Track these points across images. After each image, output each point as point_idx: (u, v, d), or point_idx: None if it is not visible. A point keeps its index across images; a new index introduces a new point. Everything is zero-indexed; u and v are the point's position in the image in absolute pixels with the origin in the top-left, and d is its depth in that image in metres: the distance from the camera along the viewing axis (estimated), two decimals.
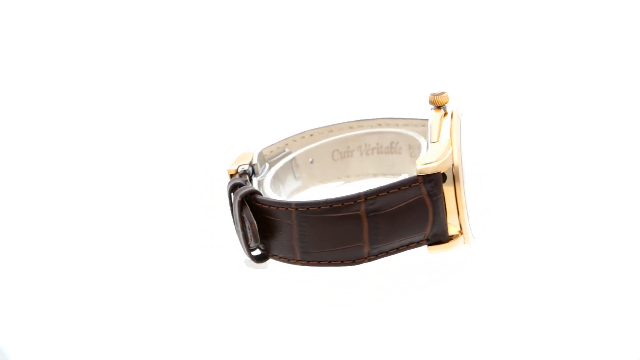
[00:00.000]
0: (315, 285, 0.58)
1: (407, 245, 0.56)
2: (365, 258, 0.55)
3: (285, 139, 0.66)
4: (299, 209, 0.55)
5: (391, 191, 0.54)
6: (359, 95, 0.83)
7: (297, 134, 0.67)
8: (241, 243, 0.58)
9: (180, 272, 0.62)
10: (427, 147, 0.57)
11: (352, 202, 0.54)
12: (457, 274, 0.58)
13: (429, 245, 0.56)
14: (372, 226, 0.54)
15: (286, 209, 0.55)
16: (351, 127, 0.67)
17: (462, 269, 0.59)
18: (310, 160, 0.66)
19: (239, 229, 0.58)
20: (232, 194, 0.58)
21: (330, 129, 0.67)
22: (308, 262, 0.56)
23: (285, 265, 0.58)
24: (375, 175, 0.67)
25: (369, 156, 0.67)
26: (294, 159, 0.65)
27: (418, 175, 0.54)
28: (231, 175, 0.61)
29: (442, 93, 0.58)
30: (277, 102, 0.85)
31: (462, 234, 0.56)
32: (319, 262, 0.56)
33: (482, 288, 0.57)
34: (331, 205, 0.54)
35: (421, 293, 0.58)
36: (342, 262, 0.56)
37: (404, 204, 0.54)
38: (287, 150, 0.66)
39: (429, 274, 0.58)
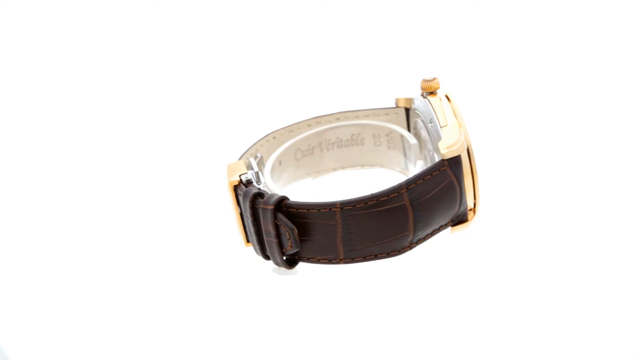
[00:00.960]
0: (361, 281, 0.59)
1: (438, 228, 0.58)
2: (408, 247, 0.57)
3: (254, 144, 0.65)
4: (345, 208, 0.55)
5: (425, 178, 0.56)
6: (317, 91, 0.82)
7: (262, 138, 0.66)
8: (272, 251, 0.57)
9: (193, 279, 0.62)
10: (432, 132, 0.60)
11: (396, 194, 0.55)
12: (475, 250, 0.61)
13: (452, 226, 0.59)
14: (417, 214, 0.56)
15: (330, 209, 0.55)
16: (309, 125, 0.67)
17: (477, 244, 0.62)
18: (279, 162, 0.66)
19: (272, 237, 0.56)
20: (252, 203, 0.57)
21: (290, 129, 0.67)
22: (353, 259, 0.57)
23: (321, 267, 0.57)
24: (334, 169, 0.68)
25: (329, 151, 0.68)
26: (271, 163, 0.65)
27: (443, 160, 0.57)
28: (235, 187, 0.59)
29: (434, 79, 0.61)
30: (232, 101, 0.84)
31: (474, 212, 0.59)
32: (365, 258, 0.57)
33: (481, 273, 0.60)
34: (378, 200, 0.55)
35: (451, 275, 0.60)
36: (388, 253, 0.57)
37: (438, 188, 0.56)
38: (259, 155, 0.65)
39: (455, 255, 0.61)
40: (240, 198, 0.58)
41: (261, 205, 0.56)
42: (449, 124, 0.58)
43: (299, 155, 0.67)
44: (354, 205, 0.55)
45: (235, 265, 0.62)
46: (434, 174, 0.56)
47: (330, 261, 0.56)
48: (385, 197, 0.55)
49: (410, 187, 0.55)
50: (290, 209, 0.56)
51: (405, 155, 0.67)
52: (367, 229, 0.55)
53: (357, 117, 0.67)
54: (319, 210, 0.55)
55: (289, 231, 0.55)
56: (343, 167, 0.68)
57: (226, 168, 0.60)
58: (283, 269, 0.58)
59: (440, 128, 0.59)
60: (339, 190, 0.64)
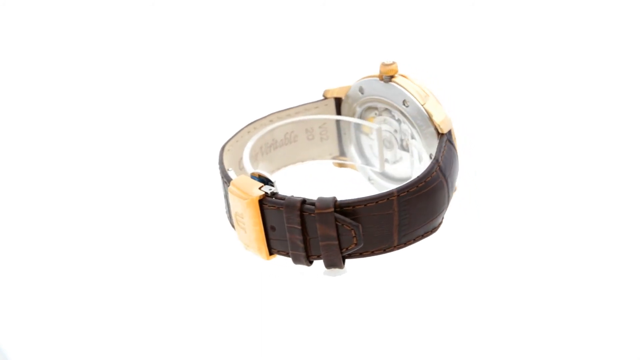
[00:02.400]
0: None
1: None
2: (439, 225, 0.61)
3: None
4: (400, 194, 0.57)
5: (444, 152, 0.61)
6: (242, 95, 0.78)
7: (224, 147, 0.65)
8: (329, 254, 0.57)
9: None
10: (410, 112, 0.63)
11: (435, 172, 0.59)
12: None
13: None
14: (449, 189, 0.60)
15: (387, 199, 0.57)
16: (249, 132, 0.67)
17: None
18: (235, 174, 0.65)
19: (333, 239, 0.56)
20: (301, 211, 0.57)
21: (236, 139, 0.66)
22: (405, 243, 0.59)
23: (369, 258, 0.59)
24: (272, 171, 0.69)
25: (268, 154, 0.68)
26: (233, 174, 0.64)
27: (443, 134, 0.62)
28: (261, 201, 0.58)
29: (393, 62, 0.65)
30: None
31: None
32: (415, 240, 0.59)
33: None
34: (425, 181, 0.58)
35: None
36: (431, 231, 0.60)
37: (454, 161, 0.61)
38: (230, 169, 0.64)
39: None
40: (272, 211, 0.57)
41: (317, 211, 0.56)
42: (429, 101, 0.63)
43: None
44: (407, 191, 0.57)
45: (234, 265, 0.63)
46: (446, 146, 0.61)
47: (384, 250, 0.58)
48: (429, 177, 0.58)
49: (440, 163, 0.59)
50: (345, 208, 0.56)
51: (340, 141, 0.69)
52: (418, 211, 0.58)
53: (289, 116, 0.68)
54: (376, 202, 0.56)
55: (354, 229, 0.56)
56: (278, 168, 0.69)
57: (236, 185, 0.58)
58: (337, 270, 0.58)
59: (422, 106, 0.62)
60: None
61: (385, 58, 0.64)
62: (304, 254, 0.57)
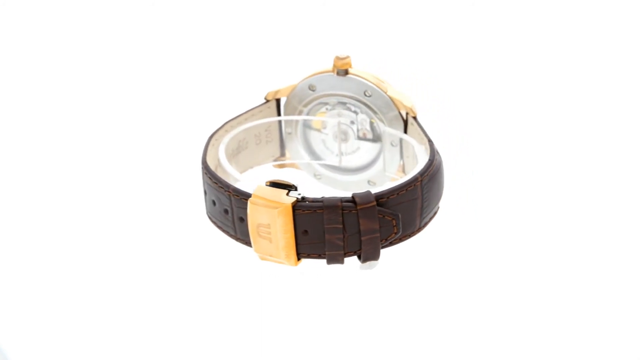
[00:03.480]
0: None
1: None
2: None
3: None
4: (423, 178, 0.60)
5: (430, 140, 0.64)
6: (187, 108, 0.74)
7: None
8: (370, 247, 0.58)
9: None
10: (373, 102, 0.66)
11: (437, 153, 0.63)
12: None
13: None
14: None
15: (414, 185, 0.59)
16: (213, 145, 0.66)
17: None
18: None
19: (376, 232, 0.57)
20: (342, 210, 0.58)
21: (208, 155, 0.65)
22: (423, 226, 0.61)
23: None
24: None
25: (231, 164, 0.67)
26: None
27: (414, 117, 0.66)
28: (294, 206, 0.58)
29: (348, 56, 0.67)
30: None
31: None
32: (430, 220, 0.62)
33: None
34: (434, 163, 0.61)
35: None
36: (437, 212, 0.63)
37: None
38: None
39: None
40: (306, 215, 0.56)
41: (360, 207, 0.57)
42: (390, 89, 0.66)
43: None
44: (428, 172, 0.60)
45: (234, 265, 0.62)
46: (425, 132, 0.65)
47: (410, 235, 0.60)
48: (435, 160, 0.61)
49: (432, 146, 0.63)
50: (381, 200, 0.58)
51: (281, 142, 0.70)
52: (433, 193, 0.61)
53: (240, 123, 0.67)
54: (406, 190, 0.59)
55: (395, 219, 0.58)
56: (243, 172, 0.68)
57: (259, 196, 0.58)
58: (373, 262, 0.59)
59: (385, 93, 0.66)
60: None
61: (339, 52, 0.66)
62: (342, 252, 0.58)
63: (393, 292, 0.61)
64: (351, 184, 0.69)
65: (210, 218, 0.62)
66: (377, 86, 0.65)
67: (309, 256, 0.59)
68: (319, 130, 0.69)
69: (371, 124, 0.66)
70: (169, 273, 0.62)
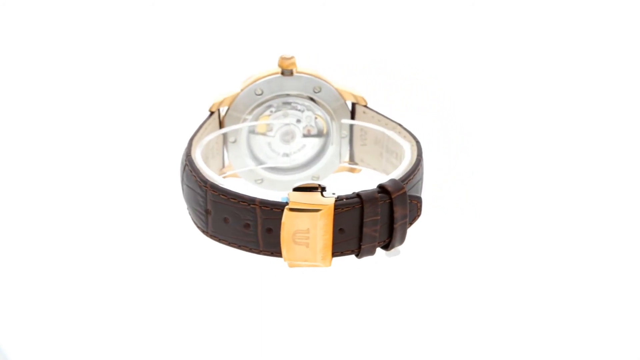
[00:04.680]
0: None
1: None
2: None
3: None
4: (421, 158, 0.63)
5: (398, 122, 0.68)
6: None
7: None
8: (400, 234, 0.59)
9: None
10: (324, 98, 0.68)
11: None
12: None
13: None
14: None
15: (420, 166, 0.61)
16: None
17: None
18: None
19: (407, 217, 0.59)
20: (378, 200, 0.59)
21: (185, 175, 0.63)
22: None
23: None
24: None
25: None
26: None
27: (365, 105, 0.70)
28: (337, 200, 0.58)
29: (293, 57, 0.69)
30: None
31: None
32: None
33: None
34: (419, 141, 0.65)
35: None
36: None
37: None
38: None
39: None
40: (344, 213, 0.57)
41: (394, 195, 0.58)
42: (334, 82, 0.69)
43: None
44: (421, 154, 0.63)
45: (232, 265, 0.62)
46: (385, 116, 0.68)
47: (415, 219, 0.63)
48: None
49: (404, 127, 0.67)
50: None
51: (222, 154, 0.69)
52: (423, 175, 0.64)
53: (200, 139, 0.66)
54: (414, 175, 0.61)
55: (419, 202, 0.60)
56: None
57: (297, 203, 0.58)
58: (397, 249, 0.61)
59: (337, 89, 0.68)
60: None
61: (283, 52, 0.67)
62: (375, 243, 0.59)
63: (393, 292, 0.62)
64: (295, 183, 0.69)
65: (214, 237, 0.59)
66: (325, 80, 0.66)
67: (341, 254, 0.59)
68: (264, 134, 0.68)
69: (316, 119, 0.67)
70: (164, 278, 0.61)
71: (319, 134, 0.68)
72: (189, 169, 0.60)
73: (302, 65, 0.67)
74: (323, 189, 0.57)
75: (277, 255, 0.58)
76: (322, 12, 0.75)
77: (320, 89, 0.66)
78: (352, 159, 0.69)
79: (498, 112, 0.77)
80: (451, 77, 0.75)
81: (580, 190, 0.70)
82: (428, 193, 0.61)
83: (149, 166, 0.69)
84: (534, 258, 0.63)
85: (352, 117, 0.68)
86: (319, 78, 0.66)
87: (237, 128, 0.67)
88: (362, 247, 0.58)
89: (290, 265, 0.58)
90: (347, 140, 0.68)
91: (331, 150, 0.68)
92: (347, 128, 0.67)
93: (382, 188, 0.57)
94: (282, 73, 0.66)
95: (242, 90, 0.66)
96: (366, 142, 0.67)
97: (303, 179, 0.70)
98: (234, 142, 0.68)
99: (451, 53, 0.77)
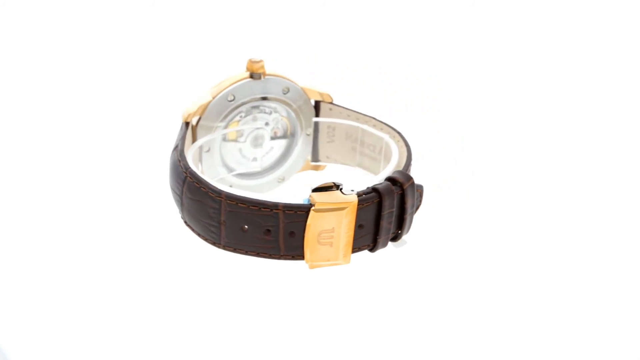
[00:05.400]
0: None
1: None
2: None
3: None
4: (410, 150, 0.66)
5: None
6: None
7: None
8: (408, 223, 0.60)
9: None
10: (292, 97, 0.68)
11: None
12: None
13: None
14: None
15: (411, 157, 0.65)
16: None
17: None
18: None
19: (415, 205, 0.60)
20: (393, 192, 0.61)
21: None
22: None
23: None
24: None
25: None
26: None
27: (331, 102, 0.71)
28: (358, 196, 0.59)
29: (261, 60, 0.69)
30: None
31: None
32: None
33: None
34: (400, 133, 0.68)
35: None
36: None
37: None
38: None
39: None
40: (364, 209, 0.57)
41: (407, 185, 0.59)
42: (299, 82, 0.70)
43: None
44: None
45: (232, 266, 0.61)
46: (354, 110, 0.70)
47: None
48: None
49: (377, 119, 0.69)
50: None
51: (199, 161, 0.68)
52: None
53: (188, 151, 0.65)
54: (409, 167, 0.63)
55: (421, 190, 0.62)
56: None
57: (322, 202, 0.58)
58: (404, 239, 0.63)
59: (302, 88, 0.70)
60: None
61: (252, 56, 0.67)
62: (389, 235, 0.60)
63: (393, 292, 0.62)
64: (263, 186, 0.70)
65: (227, 247, 0.59)
66: (291, 81, 0.67)
67: (358, 250, 0.60)
68: (235, 140, 0.67)
69: (281, 120, 0.68)
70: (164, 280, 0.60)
71: (285, 135, 0.68)
72: (194, 181, 0.58)
73: (269, 67, 0.66)
74: (338, 186, 0.57)
75: (299, 259, 0.58)
76: (322, 12, 0.74)
77: (289, 89, 0.66)
78: (315, 157, 0.70)
79: (498, 113, 0.77)
80: (451, 77, 0.76)
81: (580, 190, 0.70)
82: (428, 193, 0.62)
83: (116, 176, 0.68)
84: (533, 258, 0.64)
85: (317, 115, 0.68)
86: (285, 79, 0.66)
87: (212, 138, 0.66)
88: (378, 240, 0.59)
89: (311, 267, 0.58)
90: (311, 138, 0.68)
91: (296, 150, 0.68)
92: (312, 126, 0.68)
93: (393, 180, 0.58)
94: (252, 77, 0.65)
95: (213, 98, 0.65)
96: (334, 139, 0.68)
97: (269, 182, 0.69)
98: (208, 151, 0.66)
99: (451, 53, 0.77)
